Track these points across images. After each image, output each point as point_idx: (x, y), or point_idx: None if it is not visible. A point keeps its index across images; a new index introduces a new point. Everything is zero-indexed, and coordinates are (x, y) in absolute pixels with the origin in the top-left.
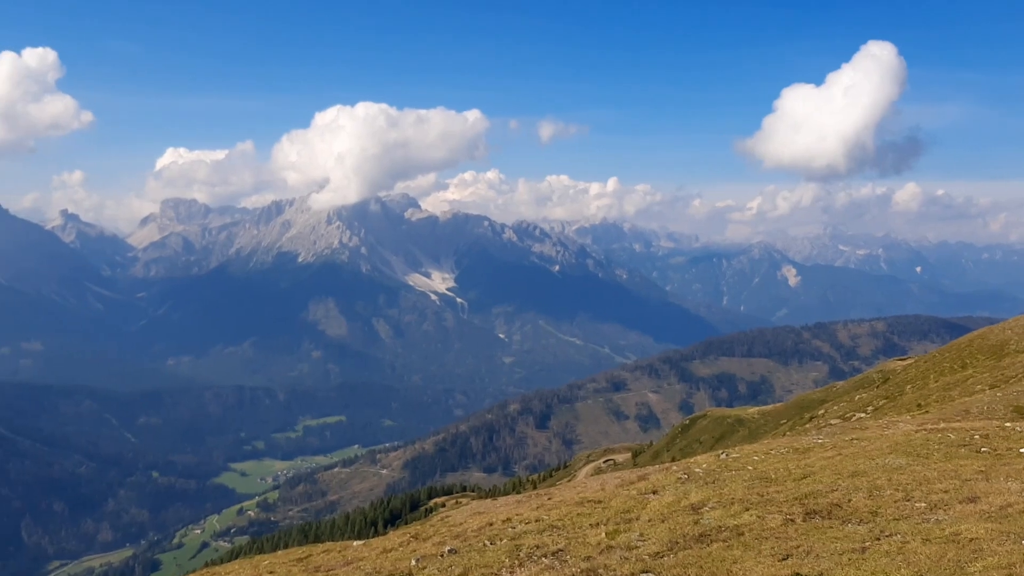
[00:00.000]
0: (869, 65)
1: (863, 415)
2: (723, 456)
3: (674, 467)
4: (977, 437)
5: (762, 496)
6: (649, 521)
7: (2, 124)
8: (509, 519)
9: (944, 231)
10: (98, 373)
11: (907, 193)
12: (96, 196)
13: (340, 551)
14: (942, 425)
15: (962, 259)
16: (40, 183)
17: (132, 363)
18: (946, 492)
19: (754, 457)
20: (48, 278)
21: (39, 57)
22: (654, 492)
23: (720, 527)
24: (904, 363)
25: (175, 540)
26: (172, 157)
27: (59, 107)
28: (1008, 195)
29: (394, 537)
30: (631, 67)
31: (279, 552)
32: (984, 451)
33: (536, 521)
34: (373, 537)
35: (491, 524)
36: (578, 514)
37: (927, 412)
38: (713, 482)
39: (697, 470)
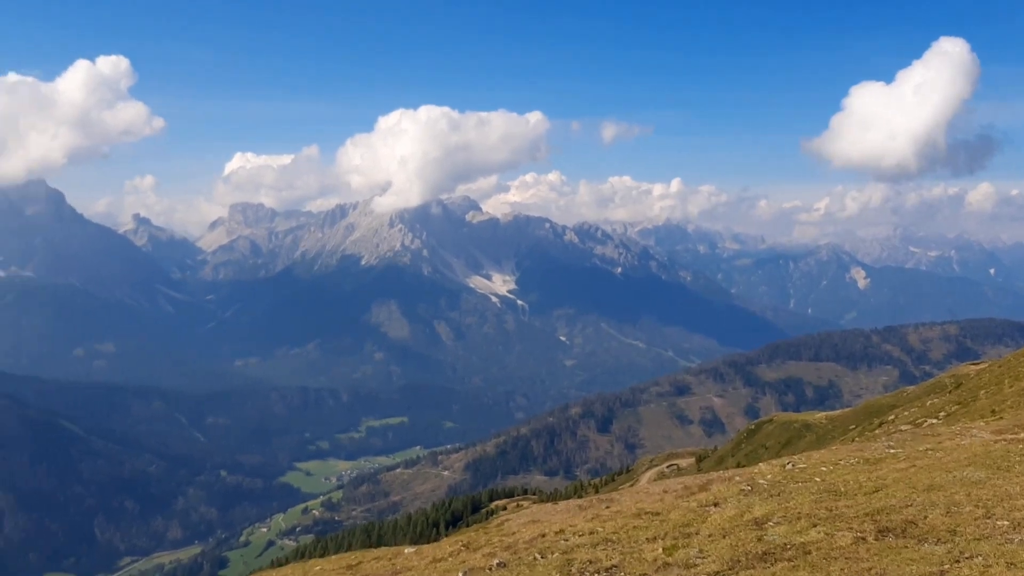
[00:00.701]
0: (941, 62)
1: (935, 421)
2: (789, 466)
3: (737, 477)
4: None
5: (830, 511)
6: (709, 536)
7: (77, 131)
8: (562, 531)
9: (1019, 232)
10: (168, 374)
11: (980, 193)
12: (167, 200)
13: (391, 559)
14: (1023, 435)
15: None
16: (113, 188)
17: (201, 364)
18: None
19: (822, 468)
20: (121, 281)
21: (112, 65)
22: (715, 504)
23: (785, 544)
24: (977, 367)
25: (242, 538)
26: (240, 162)
27: (131, 113)
28: None
29: (446, 545)
30: (695, 67)
31: (332, 557)
32: None
33: (590, 534)
34: (431, 541)
35: (543, 536)
36: (634, 527)
37: (1002, 419)
38: (778, 494)
39: (761, 481)
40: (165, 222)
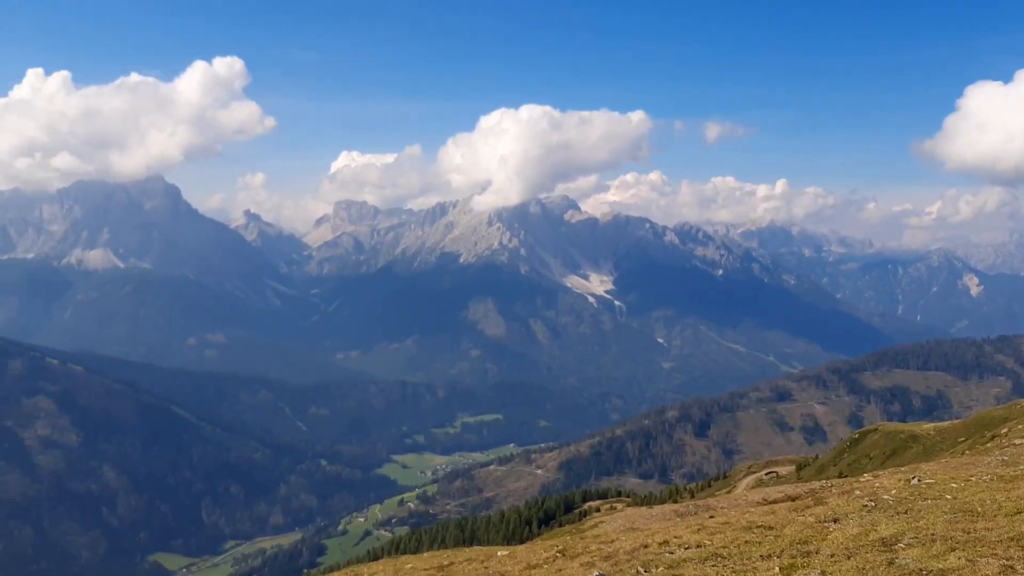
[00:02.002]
0: None
1: None
2: (914, 480)
3: (857, 491)
4: None
5: (968, 534)
6: (832, 556)
7: (194, 129)
8: (666, 541)
9: None
10: (274, 365)
11: None
12: (276, 197)
13: (483, 561)
14: None
15: None
16: (226, 185)
17: (304, 356)
18: None
19: (952, 484)
20: (231, 274)
21: (227, 66)
22: (835, 520)
23: (920, 570)
24: None
25: (340, 527)
26: (345, 160)
27: (244, 113)
28: None
29: (540, 550)
30: (803, 67)
31: (424, 555)
32: None
33: (697, 547)
34: (523, 539)
35: (646, 546)
36: (745, 541)
37: None
38: (906, 512)
39: (885, 496)
40: (274, 218)
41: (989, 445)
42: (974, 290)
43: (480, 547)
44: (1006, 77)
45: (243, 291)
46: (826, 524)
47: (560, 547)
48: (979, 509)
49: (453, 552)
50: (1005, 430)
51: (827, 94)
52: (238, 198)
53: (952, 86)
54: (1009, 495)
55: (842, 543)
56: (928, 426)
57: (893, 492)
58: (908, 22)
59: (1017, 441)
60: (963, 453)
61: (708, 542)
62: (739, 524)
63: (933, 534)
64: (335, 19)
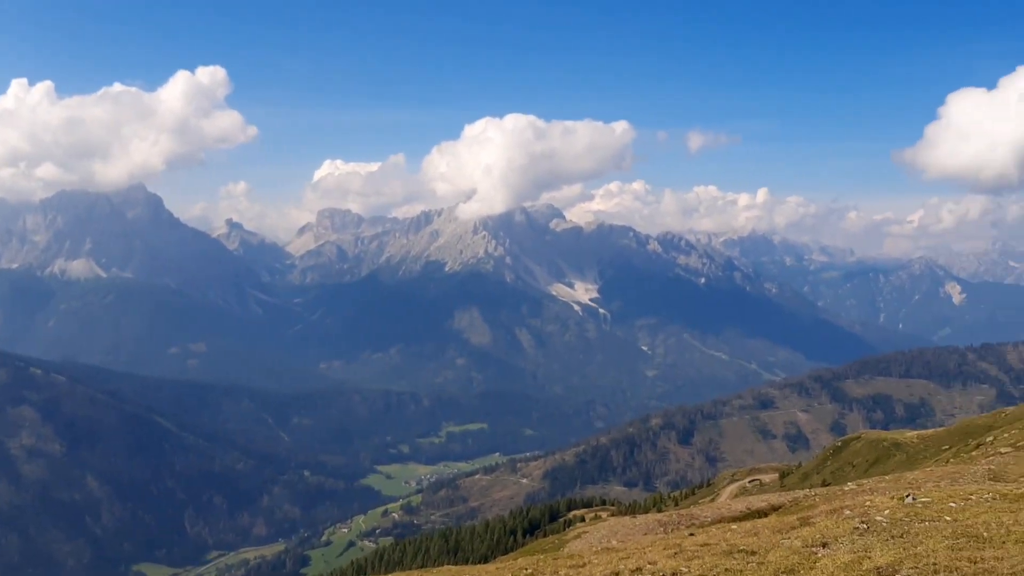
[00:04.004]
0: None
1: None
2: (909, 499)
3: (847, 511)
4: None
5: (975, 564)
6: None
7: (176, 138)
8: (639, 568)
9: None
10: (256, 374)
11: None
12: (258, 206)
13: None
14: None
15: None
16: (207, 193)
17: (287, 366)
18: None
19: (950, 504)
20: (213, 283)
21: (210, 75)
22: (824, 545)
23: None
24: None
25: (324, 537)
26: (329, 169)
27: (227, 122)
28: None
29: (507, 571)
30: (784, 76)
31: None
32: None
33: (673, 575)
34: (508, 549)
35: (617, 574)
36: (726, 569)
37: None
38: (901, 536)
39: (878, 518)
40: (256, 227)
41: (974, 454)
42: (957, 298)
43: (451, 566)
44: (990, 84)
45: (225, 300)
46: (814, 549)
47: (531, 569)
48: (984, 534)
49: (422, 573)
50: (990, 438)
51: (808, 103)
52: (220, 207)
53: (933, 94)
54: (1017, 517)
55: (832, 572)
56: (911, 434)
57: (887, 512)
58: (889, 31)
59: (1003, 450)
60: (948, 461)
61: (685, 570)
62: (719, 548)
63: (935, 564)
64: (318, 27)
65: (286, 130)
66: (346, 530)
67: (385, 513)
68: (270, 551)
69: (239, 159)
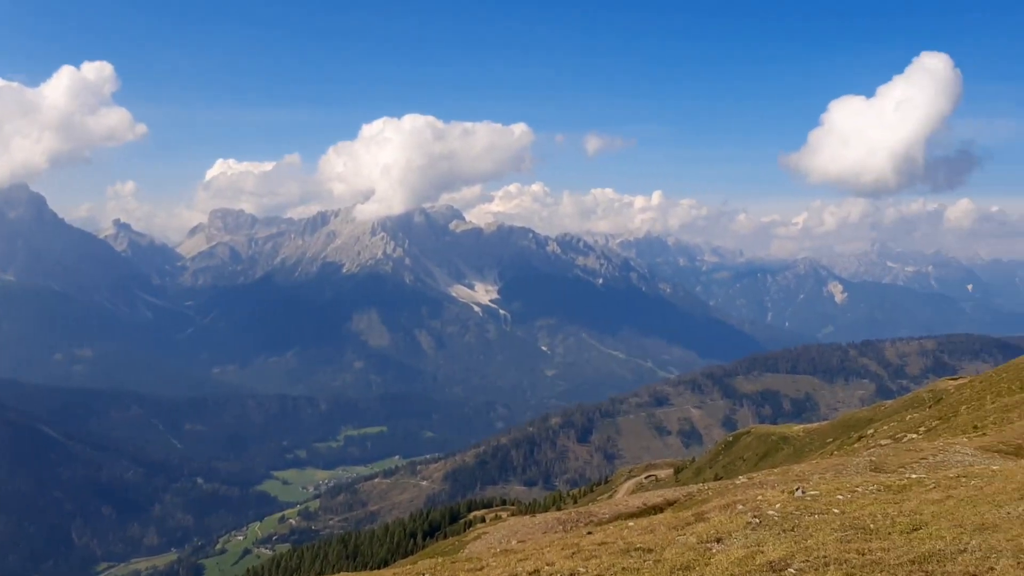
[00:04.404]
0: (922, 77)
1: (915, 436)
2: (799, 492)
3: (740, 505)
4: None
5: (863, 555)
6: None
7: (61, 136)
8: (537, 571)
9: (998, 248)
10: (146, 379)
11: (960, 209)
12: (148, 206)
13: None
14: None
15: (1016, 277)
16: (94, 193)
17: (179, 370)
18: None
19: (838, 496)
20: (101, 286)
21: (97, 70)
22: (718, 540)
23: None
24: (957, 383)
25: (218, 546)
26: (221, 168)
27: (114, 119)
28: None
29: (405, 575)
30: (677, 82)
31: None
32: None
33: (571, 575)
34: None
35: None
36: (623, 568)
37: (985, 435)
38: (792, 529)
39: (770, 512)
40: (146, 228)
41: (856, 446)
42: (838, 297)
43: (349, 572)
44: (869, 92)
45: (113, 303)
46: (709, 545)
47: (428, 575)
48: (871, 525)
49: None
50: (871, 431)
51: (700, 109)
52: (107, 207)
53: (818, 101)
54: (901, 508)
55: (726, 568)
56: (798, 428)
57: (778, 506)
58: (776, 38)
59: (883, 442)
60: (832, 454)
61: (583, 570)
62: (617, 546)
63: (825, 556)
64: (210, 23)
65: (177, 128)
66: (241, 538)
67: (282, 519)
68: (162, 561)
69: (127, 158)
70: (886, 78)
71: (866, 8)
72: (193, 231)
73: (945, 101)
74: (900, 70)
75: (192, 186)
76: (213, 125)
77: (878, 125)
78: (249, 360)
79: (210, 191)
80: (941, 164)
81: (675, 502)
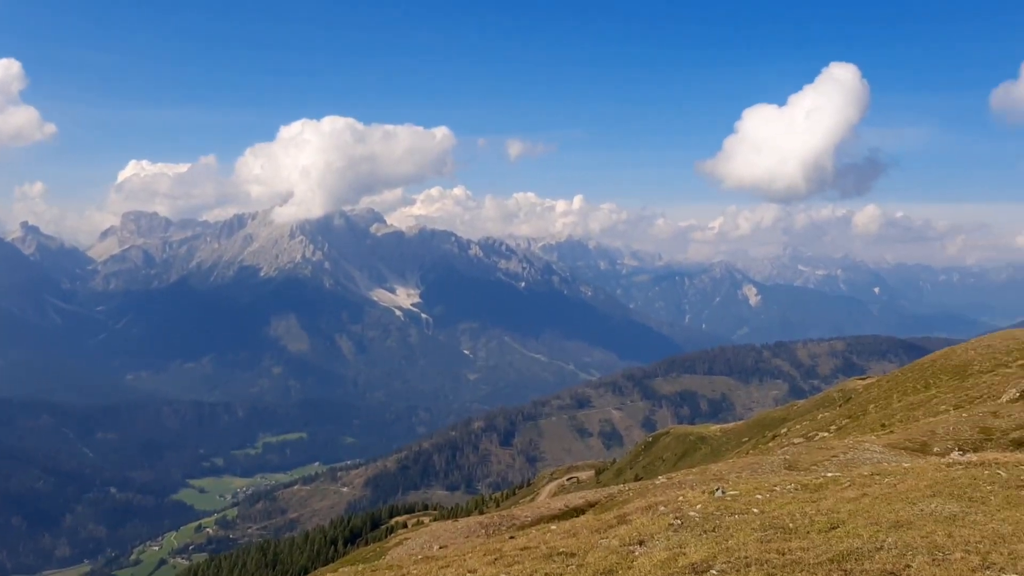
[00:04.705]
0: (831, 87)
1: (826, 434)
2: (719, 492)
3: (661, 507)
4: None
5: (783, 555)
6: None
7: None
8: None
9: (903, 253)
10: (56, 387)
11: (867, 215)
12: (57, 208)
13: None
14: (991, 457)
15: (920, 281)
16: (0, 194)
17: (91, 377)
18: None
19: (757, 496)
20: (7, 290)
21: (3, 68)
22: (640, 543)
23: None
24: (865, 382)
25: (132, 557)
26: (134, 170)
27: (22, 118)
28: (965, 218)
29: None
30: (598, 88)
31: None
32: None
33: None
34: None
35: None
36: (546, 573)
37: (892, 432)
38: (714, 530)
39: (691, 513)
40: (55, 230)
41: (771, 444)
42: (753, 300)
43: None
44: (780, 101)
45: (20, 308)
46: (631, 548)
47: None
48: (790, 525)
49: None
50: (784, 430)
51: (620, 114)
52: (14, 209)
53: (732, 108)
54: (819, 507)
55: (649, 571)
56: (715, 428)
57: (699, 507)
58: (693, 46)
59: (796, 440)
60: (748, 453)
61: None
62: (539, 551)
63: (746, 557)
64: (122, 20)
65: (88, 128)
66: (157, 548)
67: (199, 529)
68: (75, 573)
69: (36, 158)
70: (797, 87)
71: (779, 18)
72: (105, 234)
73: (853, 110)
74: (810, 80)
75: (104, 188)
76: (126, 125)
77: (789, 133)
78: (164, 366)
79: (123, 193)
80: (849, 171)
81: (597, 503)
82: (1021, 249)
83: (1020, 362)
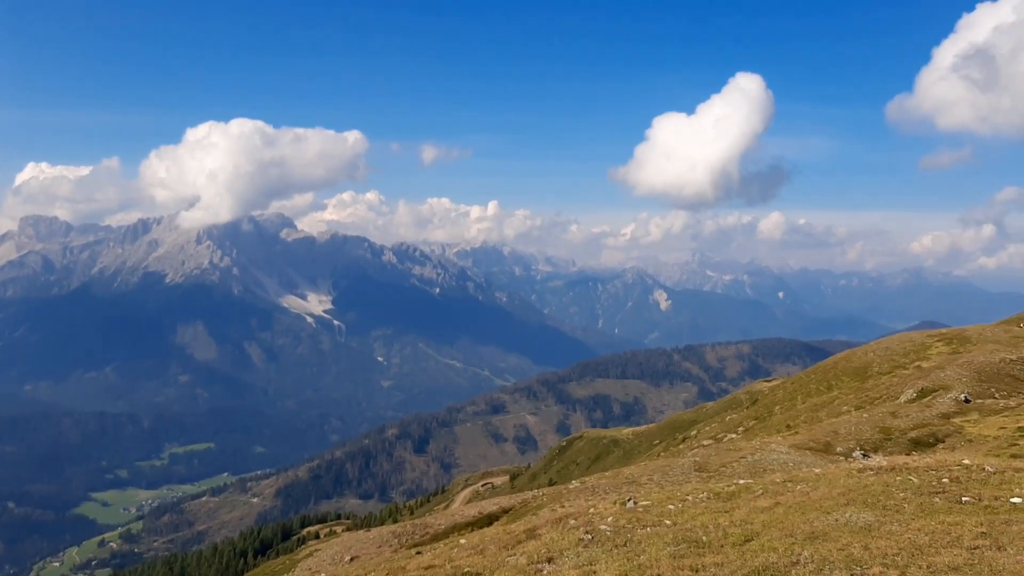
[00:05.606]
0: (738, 96)
1: (734, 436)
2: (630, 503)
3: (571, 520)
4: (947, 481)
5: (697, 572)
6: None
7: None
8: None
9: (805, 258)
10: None
11: (771, 222)
12: None
13: None
14: (901, 461)
15: (821, 285)
16: None
17: None
18: (956, 570)
19: (669, 506)
20: None
21: None
22: (549, 560)
23: None
24: (771, 384)
25: (32, 573)
26: (33, 172)
27: None
28: (864, 225)
29: None
30: (511, 94)
31: None
32: (967, 501)
33: None
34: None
35: None
36: None
37: (797, 433)
38: (625, 544)
39: (602, 526)
40: None
41: (681, 447)
42: (663, 304)
43: None
44: (689, 109)
45: None
46: (540, 566)
47: None
48: (704, 538)
49: None
50: (694, 432)
51: (533, 121)
52: None
53: (644, 116)
54: (732, 518)
55: None
56: (627, 431)
57: (610, 520)
58: (604, 56)
59: (705, 442)
60: (659, 455)
61: None
62: (444, 570)
63: (659, 575)
64: (18, 16)
65: None
66: (58, 564)
67: (102, 543)
68: None
69: None
70: (705, 96)
71: (688, 27)
72: (1, 239)
73: (758, 119)
74: (718, 89)
75: (0, 191)
76: (23, 126)
77: (697, 141)
78: (65, 376)
79: (20, 196)
80: (755, 179)
81: (510, 509)
82: (916, 255)
83: (916, 364)
